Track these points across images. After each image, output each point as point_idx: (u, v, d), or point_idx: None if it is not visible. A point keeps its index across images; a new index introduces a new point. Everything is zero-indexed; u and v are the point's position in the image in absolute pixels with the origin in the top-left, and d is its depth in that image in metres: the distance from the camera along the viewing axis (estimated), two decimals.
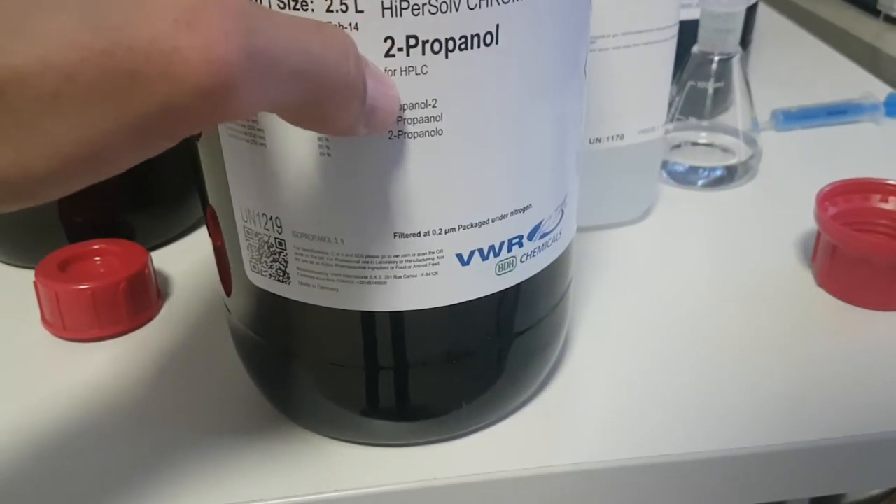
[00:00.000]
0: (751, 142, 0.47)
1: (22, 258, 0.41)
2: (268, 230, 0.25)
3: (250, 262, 0.27)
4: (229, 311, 0.30)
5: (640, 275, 0.39)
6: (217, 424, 0.31)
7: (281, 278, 0.26)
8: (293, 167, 0.23)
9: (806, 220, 0.41)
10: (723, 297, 0.38)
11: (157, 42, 0.14)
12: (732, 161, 0.47)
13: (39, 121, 0.14)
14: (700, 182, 0.46)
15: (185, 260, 0.41)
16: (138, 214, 0.41)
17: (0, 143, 0.14)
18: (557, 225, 0.27)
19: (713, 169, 0.46)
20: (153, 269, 0.37)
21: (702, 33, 0.45)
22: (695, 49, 0.46)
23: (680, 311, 0.37)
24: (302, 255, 0.25)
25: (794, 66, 0.64)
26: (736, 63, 0.45)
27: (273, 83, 0.16)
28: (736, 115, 0.47)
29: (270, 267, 0.26)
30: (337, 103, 0.19)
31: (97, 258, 0.37)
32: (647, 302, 0.37)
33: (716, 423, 0.30)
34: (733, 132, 0.47)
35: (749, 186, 0.47)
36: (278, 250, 0.25)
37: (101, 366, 0.34)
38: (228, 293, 0.29)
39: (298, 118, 0.19)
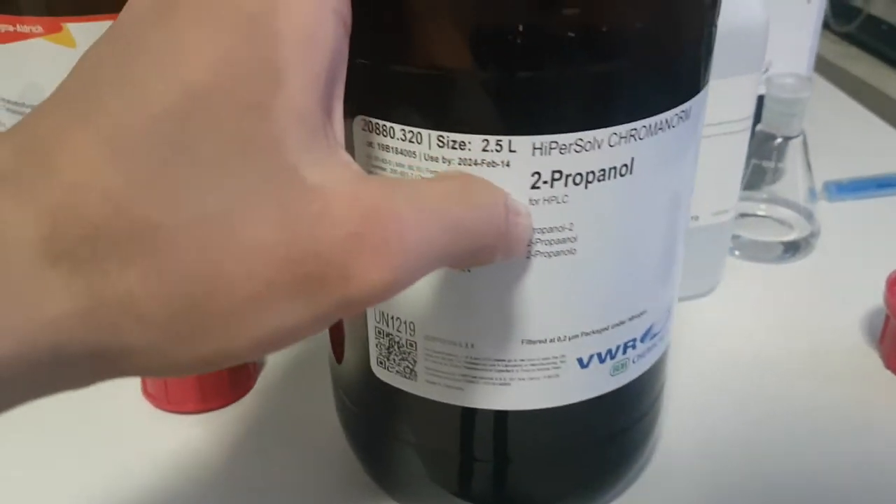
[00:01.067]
0: (809, 217, 0.49)
1: None
2: (400, 332, 0.27)
3: (377, 357, 0.28)
4: (336, 382, 0.32)
5: (708, 351, 0.41)
6: (316, 500, 0.33)
7: (408, 375, 0.28)
8: (433, 282, 0.25)
9: (868, 297, 0.43)
10: (790, 377, 0.39)
11: (339, 252, 0.17)
12: (792, 236, 0.49)
13: (242, 318, 0.16)
14: (773, 258, 0.48)
15: None
16: None
17: (206, 336, 0.16)
18: (665, 324, 0.29)
19: (788, 247, 0.48)
20: None
21: (766, 115, 0.47)
22: (759, 128, 0.48)
23: (749, 391, 0.38)
24: (432, 356, 0.27)
25: (844, 135, 0.65)
26: (797, 144, 0.47)
27: (431, 263, 0.19)
28: (796, 190, 0.48)
29: (398, 364, 0.28)
30: (487, 253, 0.21)
31: None
32: (717, 381, 0.39)
33: None
34: (793, 206, 0.49)
35: (807, 261, 0.49)
36: (408, 350, 0.27)
37: (203, 439, 0.36)
38: (339, 361, 0.31)
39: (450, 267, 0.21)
